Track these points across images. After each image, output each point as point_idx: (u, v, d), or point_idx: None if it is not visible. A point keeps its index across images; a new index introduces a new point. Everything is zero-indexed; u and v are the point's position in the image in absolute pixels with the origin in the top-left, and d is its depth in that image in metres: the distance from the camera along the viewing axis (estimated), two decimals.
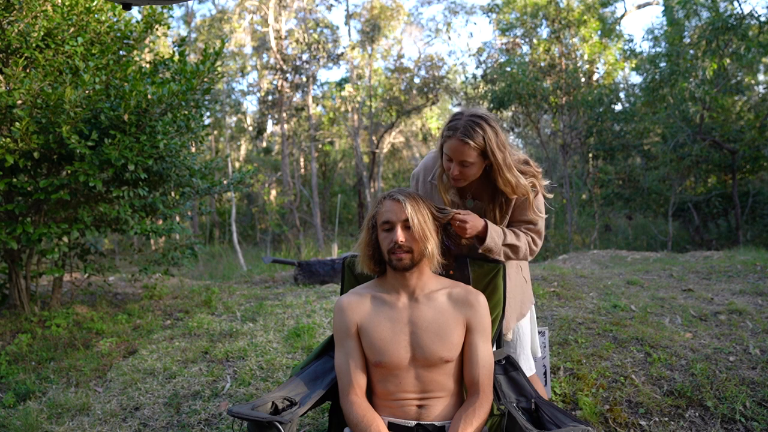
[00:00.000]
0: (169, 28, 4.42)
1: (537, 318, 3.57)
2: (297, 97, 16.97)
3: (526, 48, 13.60)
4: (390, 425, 1.56)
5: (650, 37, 13.19)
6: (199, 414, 2.58)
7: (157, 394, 2.81)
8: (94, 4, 3.88)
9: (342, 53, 16.43)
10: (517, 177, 1.71)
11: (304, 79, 16.07)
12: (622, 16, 14.77)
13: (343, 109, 17.58)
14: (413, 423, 1.56)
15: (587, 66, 12.93)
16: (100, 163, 3.49)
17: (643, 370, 2.68)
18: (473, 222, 1.67)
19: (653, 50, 12.58)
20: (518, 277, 1.98)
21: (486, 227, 1.71)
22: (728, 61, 9.96)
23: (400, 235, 1.56)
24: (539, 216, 1.83)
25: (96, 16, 3.92)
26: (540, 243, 1.85)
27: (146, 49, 4.70)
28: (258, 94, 18.18)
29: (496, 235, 1.73)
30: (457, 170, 1.70)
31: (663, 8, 12.86)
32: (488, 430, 1.62)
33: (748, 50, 9.42)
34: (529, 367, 2.02)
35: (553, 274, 4.84)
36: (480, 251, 1.75)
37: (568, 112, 12.13)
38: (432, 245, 1.59)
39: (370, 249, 1.66)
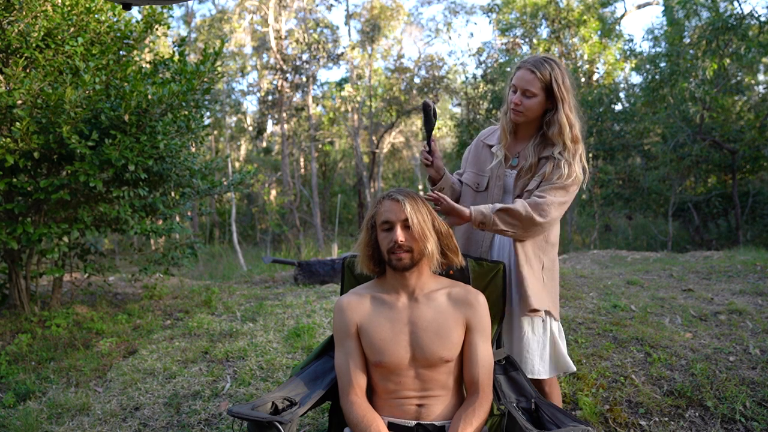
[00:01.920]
0: (169, 28, 4.41)
1: None
2: (297, 97, 16.98)
3: (526, 48, 13.60)
4: (390, 425, 1.56)
5: (650, 37, 13.20)
6: (199, 414, 2.58)
7: (157, 394, 2.81)
8: (94, 4, 3.87)
9: (342, 53, 16.43)
10: (572, 122, 1.77)
11: (304, 79, 16.07)
12: (622, 16, 14.78)
13: (343, 109, 17.58)
14: (413, 423, 1.56)
15: (587, 66, 12.93)
16: (100, 163, 3.49)
17: (643, 370, 2.68)
18: (449, 203, 1.72)
19: (653, 50, 12.58)
20: (539, 272, 1.88)
21: (470, 211, 1.73)
22: (728, 61, 9.96)
23: (399, 234, 1.56)
24: (554, 188, 1.76)
25: (96, 16, 3.92)
26: (543, 205, 1.75)
27: (146, 49, 4.70)
28: (258, 94, 18.19)
29: (484, 208, 1.73)
30: (519, 99, 1.79)
31: (663, 8, 12.87)
32: (488, 430, 1.62)
33: (748, 50, 9.42)
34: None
35: None
36: (475, 227, 1.76)
37: None
38: (432, 244, 1.58)
39: (370, 249, 1.66)
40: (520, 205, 1.75)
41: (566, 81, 1.78)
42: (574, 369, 1.97)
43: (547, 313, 1.91)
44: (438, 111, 1.66)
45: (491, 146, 1.96)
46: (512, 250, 1.87)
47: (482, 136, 2.04)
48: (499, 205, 1.76)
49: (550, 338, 1.93)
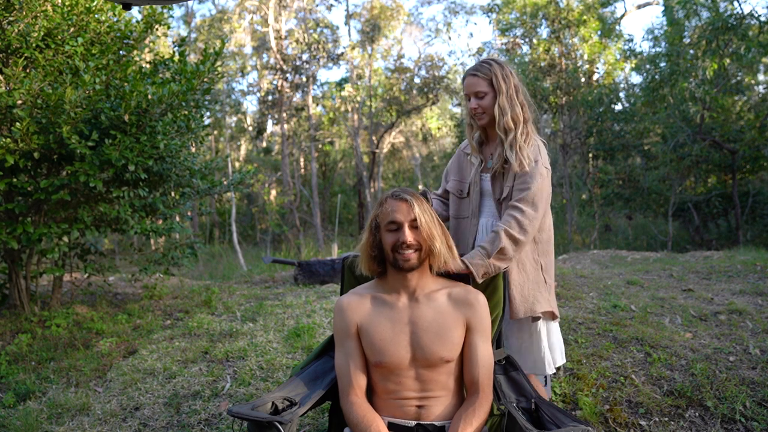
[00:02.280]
0: (169, 28, 4.41)
1: None
2: (297, 97, 16.97)
3: (526, 48, 13.60)
4: (390, 425, 1.56)
5: (650, 37, 13.20)
6: (199, 414, 2.58)
7: (157, 394, 2.81)
8: (94, 4, 3.87)
9: (342, 53, 16.43)
10: (513, 107, 1.90)
11: (304, 79, 16.07)
12: (622, 16, 14.78)
13: (343, 109, 17.58)
14: (413, 423, 1.56)
15: (587, 66, 12.93)
16: (100, 163, 3.49)
17: (643, 370, 2.68)
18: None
19: (653, 50, 12.58)
20: (535, 273, 1.93)
21: (466, 264, 1.75)
22: (728, 61, 9.96)
23: (408, 234, 1.55)
24: (527, 187, 1.86)
25: (96, 16, 3.92)
26: (524, 219, 1.81)
27: (146, 49, 4.70)
28: (258, 94, 18.18)
29: (479, 259, 1.76)
30: (475, 103, 1.94)
31: (663, 8, 12.87)
32: (488, 430, 1.62)
33: (748, 50, 9.42)
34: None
35: None
36: (480, 279, 1.78)
37: (568, 112, 12.14)
38: (439, 243, 1.58)
39: (374, 250, 1.64)
40: (504, 238, 1.79)
41: (506, 71, 1.93)
42: (548, 372, 2.00)
43: (546, 314, 1.94)
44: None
45: (469, 154, 2.08)
46: None
47: (463, 147, 2.15)
48: (486, 247, 1.79)
49: (534, 338, 1.97)
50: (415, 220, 1.56)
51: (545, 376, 2.41)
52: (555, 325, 2.04)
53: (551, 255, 2.00)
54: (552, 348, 2.00)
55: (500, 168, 1.95)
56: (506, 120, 1.90)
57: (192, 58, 14.40)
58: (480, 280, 1.77)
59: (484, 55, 14.76)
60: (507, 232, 1.79)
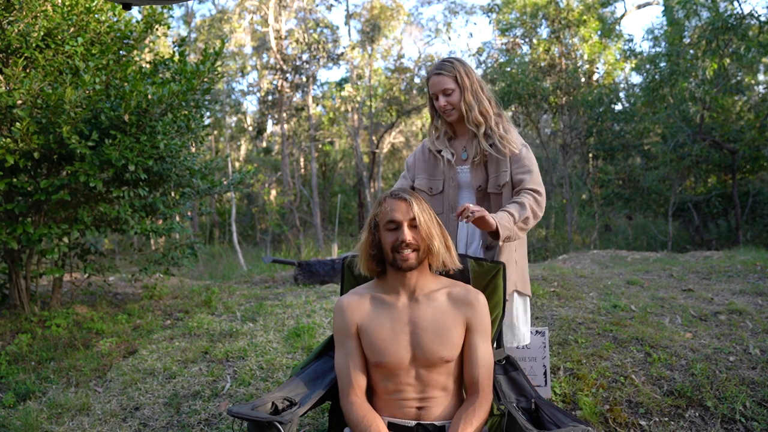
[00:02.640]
0: (169, 28, 4.41)
1: (537, 318, 3.58)
2: (297, 97, 16.97)
3: (526, 48, 13.60)
4: (390, 425, 1.56)
5: (650, 37, 13.20)
6: (199, 414, 2.58)
7: (157, 394, 2.81)
8: (94, 4, 3.87)
9: (342, 53, 16.43)
10: (472, 104, 1.99)
11: (304, 79, 16.07)
12: (622, 16, 14.78)
13: (343, 109, 17.58)
14: (413, 423, 1.56)
15: (587, 66, 12.93)
16: (100, 163, 3.49)
17: (643, 370, 2.68)
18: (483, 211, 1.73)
19: (653, 50, 12.58)
20: (507, 254, 2.01)
21: (495, 222, 1.76)
22: (728, 61, 9.95)
23: (407, 233, 1.55)
24: (529, 170, 1.96)
25: (96, 16, 3.92)
26: (542, 199, 1.92)
27: (146, 49, 4.70)
28: (258, 94, 18.18)
29: (507, 222, 1.79)
30: (443, 101, 2.01)
31: (663, 8, 12.87)
32: (488, 430, 1.62)
33: (748, 50, 9.41)
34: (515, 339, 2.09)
35: (553, 274, 4.84)
36: (501, 243, 1.82)
37: (568, 112, 12.13)
38: (438, 242, 1.58)
39: (373, 249, 1.64)
40: (529, 209, 1.86)
41: (467, 70, 2.01)
42: (515, 344, 2.10)
43: (516, 292, 2.05)
44: None
45: (439, 151, 2.11)
46: (482, 236, 2.02)
47: (427, 144, 2.18)
48: (515, 213, 1.83)
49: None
50: (414, 219, 1.56)
51: (545, 377, 2.41)
52: (522, 303, 2.12)
53: (524, 237, 2.09)
54: (518, 324, 2.10)
55: (481, 158, 2.02)
56: (474, 114, 1.99)
57: (192, 58, 14.40)
58: (501, 243, 1.81)
59: (484, 56, 14.77)
60: (531, 205, 1.87)
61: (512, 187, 1.99)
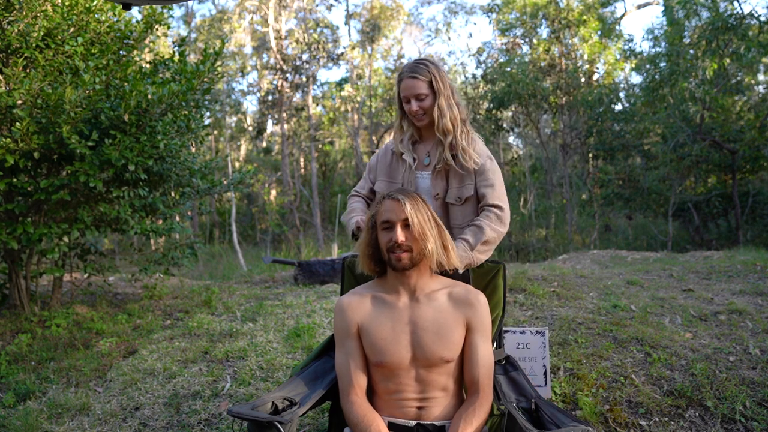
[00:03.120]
0: (169, 28, 4.41)
1: (537, 318, 3.58)
2: (297, 97, 16.97)
3: (526, 48, 13.60)
4: (390, 425, 1.56)
5: (650, 37, 13.21)
6: (199, 414, 2.58)
7: (157, 394, 2.81)
8: (94, 4, 3.87)
9: (342, 53, 16.43)
10: (445, 111, 1.93)
11: (304, 79, 16.07)
12: (622, 16, 14.79)
13: (343, 109, 17.58)
14: (413, 423, 1.56)
15: (587, 66, 12.94)
16: (100, 163, 3.49)
17: (643, 370, 2.68)
18: None
19: (653, 50, 12.59)
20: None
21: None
22: (728, 61, 9.95)
23: (399, 234, 1.56)
24: (491, 185, 1.95)
25: (96, 16, 3.92)
26: (503, 214, 1.91)
27: (146, 49, 4.69)
28: (258, 94, 18.18)
29: (463, 251, 1.80)
30: (416, 105, 1.94)
31: (663, 8, 12.87)
32: (488, 430, 1.62)
33: (748, 50, 9.41)
34: None
35: (553, 274, 4.84)
36: (462, 271, 1.81)
37: (568, 112, 12.14)
38: (432, 244, 1.58)
39: (370, 249, 1.65)
40: (488, 231, 1.86)
41: (442, 75, 1.96)
42: None
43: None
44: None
45: (402, 154, 2.07)
46: None
47: (390, 146, 2.13)
48: (470, 240, 1.84)
49: None
50: (406, 219, 1.56)
51: (545, 377, 2.41)
52: None
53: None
54: None
55: (443, 167, 1.98)
56: (445, 122, 1.93)
57: (192, 58, 14.40)
58: (461, 271, 1.80)
59: (484, 56, 14.77)
60: (489, 225, 1.87)
61: (477, 200, 1.97)
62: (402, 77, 1.97)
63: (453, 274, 1.78)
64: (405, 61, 18.03)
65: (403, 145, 2.05)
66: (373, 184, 2.15)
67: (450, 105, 1.95)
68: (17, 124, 3.21)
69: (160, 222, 4.84)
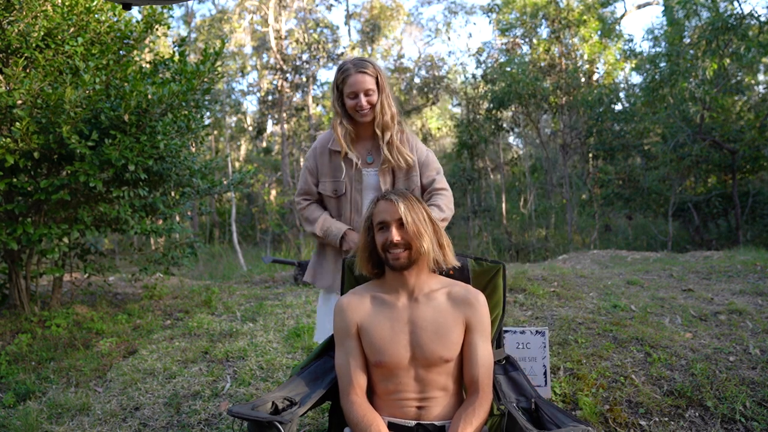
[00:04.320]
0: (169, 28, 4.41)
1: (537, 318, 3.58)
2: (297, 97, 16.98)
3: (526, 48, 13.61)
4: (390, 425, 1.56)
5: (650, 37, 13.22)
6: (199, 414, 2.58)
7: (157, 394, 2.81)
8: (94, 4, 3.87)
9: (342, 53, 16.44)
10: (391, 106, 2.04)
11: (304, 79, 16.08)
12: (622, 16, 14.79)
13: None
14: (413, 423, 1.56)
15: (587, 66, 12.94)
16: (100, 163, 3.49)
17: (643, 370, 2.68)
18: None
19: (653, 50, 12.59)
20: None
21: None
22: (728, 61, 9.96)
23: (395, 234, 1.57)
24: (438, 170, 2.14)
25: (96, 16, 3.92)
26: (450, 194, 2.12)
27: (146, 49, 4.69)
28: (258, 94, 18.19)
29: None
30: (364, 100, 1.99)
31: (663, 8, 12.87)
32: (488, 430, 1.62)
33: (748, 50, 9.41)
34: None
35: (553, 274, 4.84)
36: None
37: (568, 112, 12.14)
38: (428, 242, 1.59)
39: (368, 250, 1.67)
40: (446, 209, 2.06)
41: (383, 73, 2.05)
42: None
43: None
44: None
45: (339, 152, 2.10)
46: None
47: (324, 144, 2.15)
48: (436, 216, 1.96)
49: None
50: (401, 219, 1.57)
51: (545, 377, 2.41)
52: None
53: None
54: None
55: (389, 165, 2.07)
56: (386, 119, 2.02)
57: (192, 58, 14.39)
58: None
59: (484, 56, 14.77)
60: (447, 205, 2.06)
61: (422, 189, 2.12)
62: (348, 73, 2.00)
63: (453, 274, 1.78)
64: (405, 61, 18.06)
65: (343, 142, 2.08)
66: (317, 186, 2.16)
67: (389, 103, 2.04)
68: (17, 124, 3.21)
69: (160, 222, 4.85)
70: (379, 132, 2.03)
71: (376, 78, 2.00)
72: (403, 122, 2.12)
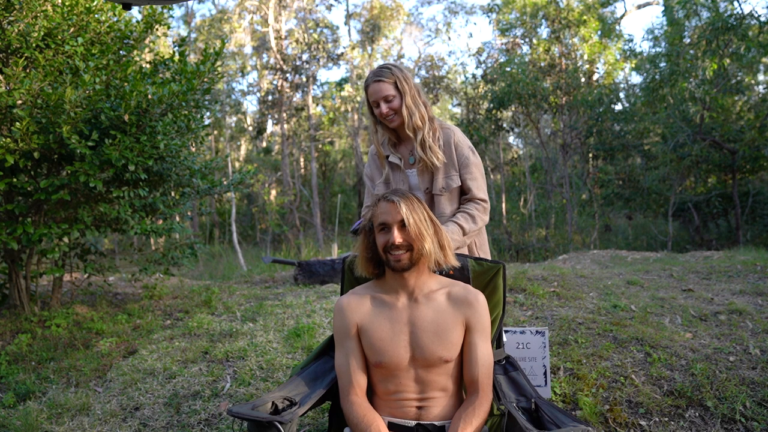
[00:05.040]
0: (169, 28, 4.41)
1: (537, 318, 3.58)
2: (297, 97, 16.98)
3: (526, 48, 13.60)
4: (390, 425, 1.56)
5: (650, 37, 13.22)
6: (199, 414, 2.58)
7: (157, 394, 2.81)
8: (94, 4, 3.87)
9: (342, 53, 16.44)
10: (413, 109, 2.03)
11: (304, 79, 16.08)
12: (622, 16, 14.78)
13: (343, 109, 17.58)
14: (413, 423, 1.56)
15: (587, 66, 12.93)
16: (100, 163, 3.49)
17: (643, 370, 2.68)
18: None
19: (653, 50, 12.59)
20: (470, 250, 2.17)
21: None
22: (728, 61, 9.96)
23: (396, 235, 1.56)
24: (475, 178, 2.10)
25: (96, 16, 3.92)
26: (488, 206, 2.09)
27: (146, 49, 4.69)
28: (258, 94, 18.19)
29: (457, 235, 1.96)
30: (386, 107, 2.04)
31: (663, 8, 12.86)
32: (488, 430, 1.62)
33: (748, 50, 9.42)
34: None
35: (553, 274, 4.84)
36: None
37: (568, 112, 12.14)
38: (429, 244, 1.59)
39: (369, 251, 1.66)
40: (479, 219, 2.05)
41: (406, 75, 2.06)
42: None
43: None
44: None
45: (387, 156, 2.18)
46: None
47: (373, 151, 2.26)
48: (464, 226, 2.01)
49: None
50: (403, 220, 1.57)
51: (545, 377, 2.41)
52: None
53: (484, 234, 2.24)
54: None
55: (425, 164, 2.09)
56: (415, 120, 2.04)
57: (192, 58, 14.40)
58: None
59: (484, 56, 14.77)
60: (480, 216, 2.05)
61: (461, 191, 2.11)
62: (368, 83, 2.07)
63: (453, 274, 1.78)
64: (405, 61, 18.06)
65: (384, 148, 2.16)
66: (376, 189, 2.24)
67: (417, 103, 2.06)
68: (17, 124, 3.21)
69: (160, 222, 4.84)
70: (410, 134, 2.06)
71: (395, 83, 2.03)
72: (436, 121, 2.13)
